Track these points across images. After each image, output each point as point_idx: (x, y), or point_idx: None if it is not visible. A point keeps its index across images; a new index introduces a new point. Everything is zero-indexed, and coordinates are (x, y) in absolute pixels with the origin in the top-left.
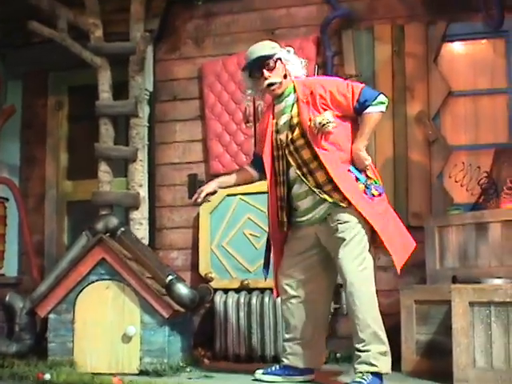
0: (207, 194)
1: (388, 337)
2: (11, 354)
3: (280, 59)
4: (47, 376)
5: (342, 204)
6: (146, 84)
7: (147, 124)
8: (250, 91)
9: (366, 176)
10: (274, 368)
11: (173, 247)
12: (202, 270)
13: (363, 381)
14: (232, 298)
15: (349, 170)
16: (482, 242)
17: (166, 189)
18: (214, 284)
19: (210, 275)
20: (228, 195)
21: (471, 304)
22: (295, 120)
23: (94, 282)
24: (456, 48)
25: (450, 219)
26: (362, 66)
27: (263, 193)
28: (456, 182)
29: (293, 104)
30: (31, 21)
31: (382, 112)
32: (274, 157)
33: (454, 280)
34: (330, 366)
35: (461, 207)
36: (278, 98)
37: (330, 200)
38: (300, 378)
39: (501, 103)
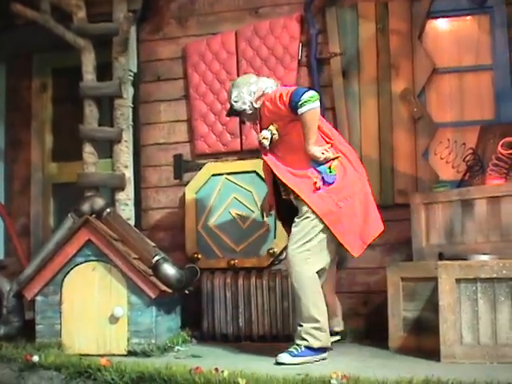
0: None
1: (375, 314)
2: None
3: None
4: (35, 358)
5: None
6: (130, 65)
7: (131, 105)
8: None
9: (330, 166)
10: None
11: (159, 228)
12: (189, 251)
13: (295, 351)
14: (219, 278)
15: (309, 167)
16: (467, 218)
17: (151, 169)
18: (200, 264)
19: (196, 255)
20: (214, 175)
21: (458, 280)
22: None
23: (80, 263)
24: (440, 25)
25: (435, 196)
26: (346, 43)
27: (248, 172)
28: (441, 159)
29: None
30: (14, 3)
31: (311, 109)
32: None
33: (441, 257)
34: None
35: (446, 184)
36: None
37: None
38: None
39: (486, 80)
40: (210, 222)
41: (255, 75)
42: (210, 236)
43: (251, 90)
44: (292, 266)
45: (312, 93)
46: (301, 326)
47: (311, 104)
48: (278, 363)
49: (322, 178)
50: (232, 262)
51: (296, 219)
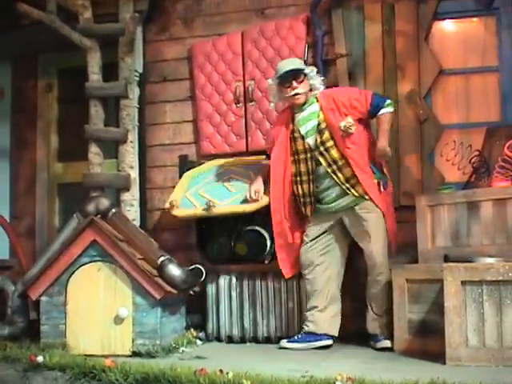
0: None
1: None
2: (4, 337)
3: (306, 74)
4: (40, 358)
5: (365, 197)
6: (136, 65)
7: (137, 105)
8: (275, 98)
9: (382, 172)
10: (296, 337)
11: (164, 228)
12: (168, 200)
13: (387, 336)
14: (224, 278)
15: (369, 167)
16: (473, 220)
17: (156, 170)
18: (177, 213)
19: (173, 203)
20: (216, 165)
21: (463, 283)
22: (323, 125)
23: (85, 264)
24: (447, 26)
25: (441, 198)
26: (352, 45)
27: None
28: (447, 160)
29: (318, 112)
30: (20, 3)
31: (392, 112)
32: (295, 160)
33: (446, 259)
34: None
35: (452, 186)
36: (301, 107)
37: (355, 194)
38: (319, 343)
39: (492, 81)
40: (200, 190)
41: None
42: (194, 197)
43: (313, 83)
44: (381, 262)
45: (391, 100)
46: (382, 316)
47: (392, 107)
48: (379, 348)
49: (382, 181)
50: (209, 203)
51: (367, 217)
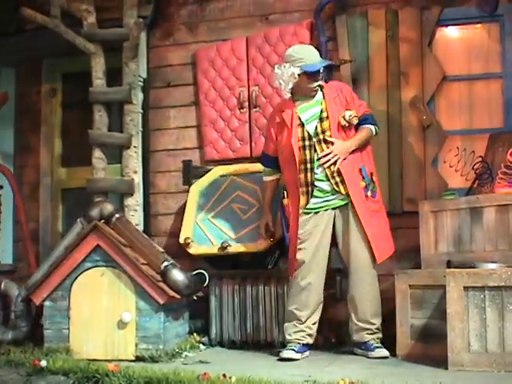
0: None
1: (383, 321)
2: (7, 342)
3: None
4: (43, 363)
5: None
6: (140, 70)
7: (141, 110)
8: (288, 85)
9: (371, 179)
10: (297, 347)
11: (168, 233)
12: (181, 236)
13: (381, 345)
14: (227, 284)
15: (359, 168)
16: (476, 226)
17: (160, 175)
18: (193, 251)
19: (188, 241)
20: (221, 176)
21: (466, 288)
22: (325, 114)
23: (89, 268)
24: (450, 33)
25: (444, 204)
26: (355, 51)
27: (256, 172)
28: (451, 166)
29: (321, 100)
30: (24, 8)
31: (373, 133)
32: (300, 147)
33: (449, 264)
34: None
35: (455, 192)
36: (307, 96)
37: (342, 192)
38: (307, 354)
39: (495, 88)
40: (210, 215)
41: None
42: (206, 226)
43: None
44: (371, 267)
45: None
46: (373, 323)
47: (376, 132)
48: (380, 357)
49: (370, 187)
50: (225, 244)
51: (357, 224)
